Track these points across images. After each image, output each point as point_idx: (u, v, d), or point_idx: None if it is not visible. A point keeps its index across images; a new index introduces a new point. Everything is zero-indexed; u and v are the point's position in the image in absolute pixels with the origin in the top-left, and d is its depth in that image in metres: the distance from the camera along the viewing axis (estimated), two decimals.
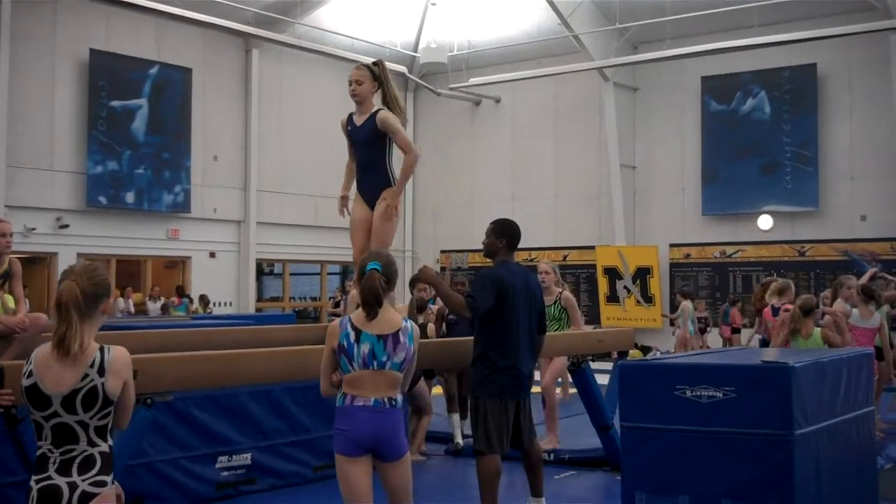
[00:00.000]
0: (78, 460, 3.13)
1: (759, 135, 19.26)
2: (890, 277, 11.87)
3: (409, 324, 4.37)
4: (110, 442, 3.20)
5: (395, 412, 4.27)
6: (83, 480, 3.10)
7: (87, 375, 3.14)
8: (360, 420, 4.17)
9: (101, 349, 3.20)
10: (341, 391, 4.25)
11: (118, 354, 3.22)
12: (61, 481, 3.10)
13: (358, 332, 4.24)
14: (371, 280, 4.28)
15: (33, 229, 16.91)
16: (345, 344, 4.23)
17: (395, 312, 4.39)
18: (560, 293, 8.52)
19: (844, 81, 18.66)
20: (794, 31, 17.75)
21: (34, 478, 3.15)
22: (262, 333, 7.47)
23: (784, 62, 18.86)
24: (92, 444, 3.15)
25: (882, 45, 17.65)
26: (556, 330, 8.17)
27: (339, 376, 4.27)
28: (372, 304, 4.25)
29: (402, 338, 4.28)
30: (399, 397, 4.31)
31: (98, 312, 3.27)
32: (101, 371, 3.15)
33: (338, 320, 4.41)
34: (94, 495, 3.11)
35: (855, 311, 8.95)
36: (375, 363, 4.21)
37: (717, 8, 18.02)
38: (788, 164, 18.94)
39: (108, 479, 3.16)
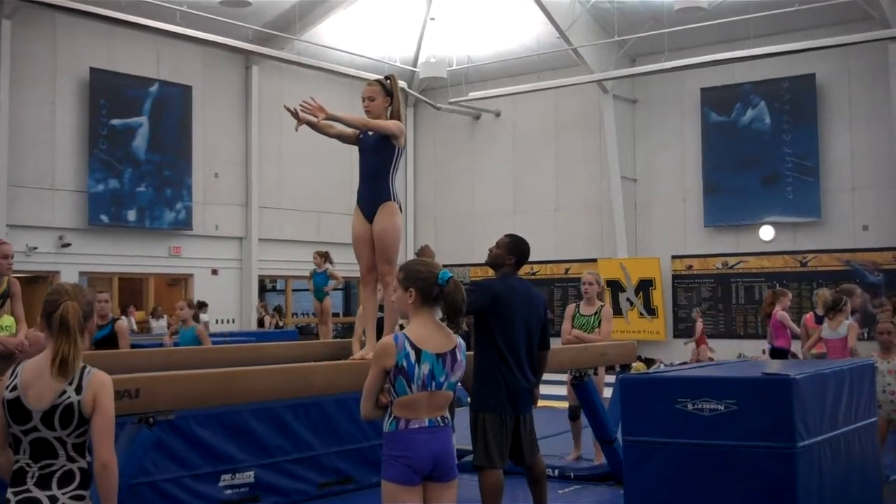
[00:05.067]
0: (57, 475, 3.15)
1: (760, 145, 19.25)
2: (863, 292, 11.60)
3: (459, 338, 4.09)
4: (89, 458, 3.22)
5: (449, 430, 4.02)
6: (63, 494, 3.13)
7: (64, 392, 3.16)
8: (419, 443, 3.88)
9: (83, 368, 3.23)
10: (391, 415, 3.94)
11: (96, 374, 3.25)
12: (41, 494, 3.13)
13: (418, 351, 3.90)
14: (459, 289, 3.99)
15: (35, 248, 16.92)
16: (404, 364, 3.88)
17: (446, 326, 4.07)
18: (601, 306, 8.44)
19: (844, 91, 18.67)
20: (792, 41, 17.75)
21: (11, 490, 3.17)
22: (264, 350, 7.48)
23: (783, 73, 18.87)
24: (71, 459, 3.18)
25: (880, 54, 17.66)
26: None
27: (387, 398, 3.95)
28: (460, 317, 4.01)
29: (458, 355, 4.01)
30: (448, 414, 4.06)
31: (87, 332, 3.38)
32: (79, 389, 3.17)
33: (390, 337, 4.00)
34: None
35: (825, 324, 8.85)
36: (434, 384, 3.91)
37: (715, 20, 18.03)
38: (789, 175, 18.93)
39: (87, 493, 3.19)
